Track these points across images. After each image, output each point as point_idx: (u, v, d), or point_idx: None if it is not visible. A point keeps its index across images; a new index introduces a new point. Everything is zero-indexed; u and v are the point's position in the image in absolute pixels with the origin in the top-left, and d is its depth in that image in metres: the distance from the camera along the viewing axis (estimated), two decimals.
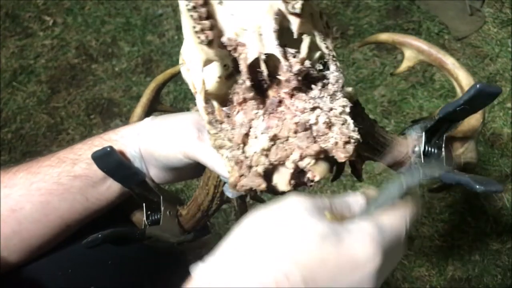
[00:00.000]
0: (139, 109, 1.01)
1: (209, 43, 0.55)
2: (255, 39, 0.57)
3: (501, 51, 2.43)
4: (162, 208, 0.90)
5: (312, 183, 0.64)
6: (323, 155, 0.62)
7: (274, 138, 0.61)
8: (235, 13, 0.57)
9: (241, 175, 0.63)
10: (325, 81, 0.65)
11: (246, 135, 0.63)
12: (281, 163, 0.62)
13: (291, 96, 0.62)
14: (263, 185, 0.61)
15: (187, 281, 0.54)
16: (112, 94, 2.46)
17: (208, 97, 0.67)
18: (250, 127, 0.63)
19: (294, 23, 0.58)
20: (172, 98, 2.37)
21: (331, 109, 0.62)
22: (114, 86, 2.49)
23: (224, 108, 0.67)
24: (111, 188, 0.87)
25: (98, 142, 0.85)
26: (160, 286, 0.99)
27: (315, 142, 0.61)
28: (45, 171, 0.84)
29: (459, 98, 0.69)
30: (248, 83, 0.60)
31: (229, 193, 0.82)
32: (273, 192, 0.64)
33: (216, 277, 0.54)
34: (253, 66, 0.62)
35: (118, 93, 2.47)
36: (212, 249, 0.57)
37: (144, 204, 0.91)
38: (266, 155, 0.61)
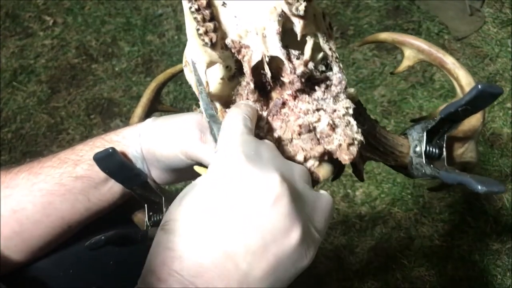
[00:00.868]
0: (139, 109, 1.00)
1: (213, 45, 0.56)
2: (258, 41, 0.57)
3: (501, 51, 2.43)
4: (164, 209, 0.90)
5: (316, 185, 0.64)
6: (327, 157, 0.62)
7: (278, 140, 0.61)
8: (239, 15, 0.58)
9: None
10: (328, 82, 0.65)
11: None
12: None
13: (295, 98, 0.62)
14: None
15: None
16: (112, 94, 2.46)
17: (210, 98, 0.67)
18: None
19: (298, 25, 0.58)
20: (172, 98, 2.37)
21: (334, 110, 0.62)
22: (114, 86, 2.48)
23: (226, 110, 0.67)
24: (112, 189, 0.86)
25: (100, 143, 0.85)
26: None
27: (319, 143, 0.61)
28: (47, 172, 0.84)
29: (461, 98, 0.69)
30: (252, 85, 0.60)
31: None
32: None
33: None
34: (257, 68, 0.62)
35: (118, 93, 2.46)
36: None
37: (146, 205, 0.91)
38: None
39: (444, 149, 0.79)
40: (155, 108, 1.03)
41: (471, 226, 1.99)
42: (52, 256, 0.89)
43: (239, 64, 0.63)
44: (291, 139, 0.61)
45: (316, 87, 0.63)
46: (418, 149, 0.79)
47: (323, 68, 0.66)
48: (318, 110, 0.62)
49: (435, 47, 0.84)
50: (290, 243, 0.53)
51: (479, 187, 0.66)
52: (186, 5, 0.55)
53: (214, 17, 0.56)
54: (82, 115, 2.41)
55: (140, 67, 2.53)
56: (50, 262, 0.88)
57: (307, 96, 0.62)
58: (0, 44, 2.65)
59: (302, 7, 0.55)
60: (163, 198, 0.89)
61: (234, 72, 0.67)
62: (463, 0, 2.53)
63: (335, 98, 0.64)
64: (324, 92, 0.63)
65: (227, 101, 0.68)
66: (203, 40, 0.55)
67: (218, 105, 0.69)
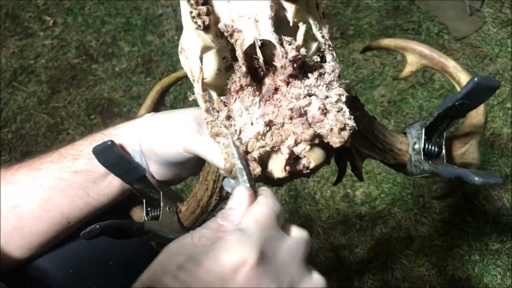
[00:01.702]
0: (143, 111, 1.01)
1: (206, 28, 0.56)
2: (251, 25, 0.58)
3: (500, 51, 2.43)
4: (162, 204, 0.90)
5: (307, 171, 0.64)
6: (317, 141, 0.62)
7: (269, 124, 0.61)
8: None
9: None
10: (321, 70, 0.65)
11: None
12: (276, 148, 0.62)
13: (287, 83, 0.62)
14: (258, 170, 0.61)
15: None
16: (112, 94, 2.47)
17: (206, 88, 0.67)
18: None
19: (290, 10, 0.58)
20: (172, 98, 2.38)
21: (326, 97, 0.63)
22: (114, 86, 2.49)
23: (222, 98, 0.67)
24: (111, 184, 0.86)
25: (99, 138, 0.85)
26: None
27: (310, 127, 0.61)
28: (47, 167, 0.84)
29: (458, 92, 0.69)
30: (244, 68, 0.60)
31: (229, 188, 0.82)
32: (269, 180, 0.64)
33: None
34: (250, 55, 0.62)
35: (118, 93, 2.47)
36: None
37: (144, 200, 0.91)
38: (261, 140, 0.61)
39: (443, 147, 0.79)
40: (158, 110, 1.03)
41: (471, 226, 1.99)
42: (52, 256, 0.89)
43: (234, 54, 0.63)
44: (283, 123, 0.61)
45: (309, 74, 0.63)
46: (417, 146, 0.78)
47: (318, 59, 0.66)
48: (309, 95, 0.62)
49: (437, 52, 0.84)
50: None
51: (476, 178, 0.66)
52: None
53: (207, 1, 0.56)
54: (82, 115, 2.41)
55: (140, 67, 2.54)
56: (50, 262, 0.89)
57: (299, 82, 0.62)
58: (0, 44, 2.66)
59: None
60: (161, 193, 0.89)
61: (230, 63, 0.67)
62: (463, 0, 2.54)
63: (328, 85, 0.64)
64: (317, 79, 0.63)
65: (223, 90, 0.69)
66: (196, 23, 0.55)
67: (214, 94, 0.70)
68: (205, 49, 0.60)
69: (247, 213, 0.58)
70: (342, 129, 0.60)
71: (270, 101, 0.62)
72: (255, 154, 0.60)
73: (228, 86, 0.67)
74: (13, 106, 2.46)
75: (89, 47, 2.64)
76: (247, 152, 0.62)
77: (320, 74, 0.64)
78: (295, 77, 0.62)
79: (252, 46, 0.59)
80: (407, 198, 2.07)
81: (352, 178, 2.10)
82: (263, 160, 0.62)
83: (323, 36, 0.63)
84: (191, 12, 0.54)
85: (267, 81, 0.63)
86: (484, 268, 1.88)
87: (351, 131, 0.61)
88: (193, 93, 0.66)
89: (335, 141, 0.60)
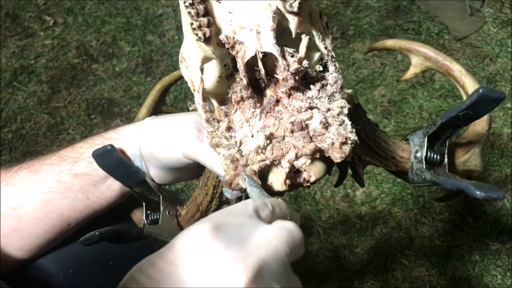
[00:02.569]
0: (144, 110, 1.00)
1: (207, 40, 0.56)
2: (253, 37, 0.58)
3: (501, 51, 2.43)
4: (162, 208, 0.90)
5: (308, 184, 0.64)
6: (319, 155, 0.61)
7: (270, 137, 0.61)
8: (233, 11, 0.58)
9: (237, 174, 0.63)
10: (324, 82, 0.64)
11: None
12: (277, 162, 0.62)
13: (289, 95, 0.62)
14: (258, 183, 0.61)
15: None
16: (112, 94, 2.47)
17: (207, 95, 0.67)
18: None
19: (292, 22, 0.58)
20: (172, 98, 2.37)
21: (328, 109, 0.62)
22: (115, 86, 2.49)
23: (222, 107, 0.67)
24: (111, 187, 0.86)
25: (99, 141, 0.85)
26: None
27: (311, 141, 0.60)
28: (46, 169, 0.84)
29: (462, 103, 0.68)
30: (245, 80, 0.60)
31: (228, 194, 0.82)
32: (269, 192, 0.64)
33: None
34: (252, 66, 0.62)
35: (119, 93, 2.47)
36: None
37: (144, 204, 0.91)
38: (262, 153, 0.61)
39: (445, 156, 0.78)
40: (159, 110, 1.03)
41: (471, 226, 1.99)
42: (52, 256, 0.89)
43: (235, 62, 0.63)
44: (283, 137, 0.61)
45: (311, 86, 0.63)
46: (419, 154, 0.78)
47: (321, 69, 0.66)
48: (311, 108, 0.61)
49: (442, 54, 0.83)
50: None
51: (478, 192, 0.65)
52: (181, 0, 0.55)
53: (208, 12, 0.56)
54: (82, 115, 2.41)
55: (140, 67, 2.54)
56: (50, 262, 0.89)
57: (301, 94, 0.62)
58: (0, 44, 2.65)
59: (296, 3, 0.55)
60: (161, 197, 0.89)
61: (231, 71, 0.67)
62: (463, 0, 2.53)
63: (330, 97, 0.63)
64: (319, 91, 0.63)
65: (224, 99, 0.68)
66: (196, 34, 0.55)
67: (214, 102, 0.69)
68: (206, 60, 0.60)
69: None
70: (343, 143, 0.60)
71: (271, 113, 0.62)
72: (255, 167, 0.60)
73: (229, 95, 0.66)
74: (13, 106, 2.46)
75: (89, 47, 2.63)
76: (246, 165, 0.62)
77: (322, 86, 0.63)
78: (297, 89, 0.62)
79: (254, 57, 0.59)
80: (407, 198, 2.07)
81: (352, 178, 2.09)
82: (263, 173, 0.62)
83: (326, 47, 0.63)
84: (191, 24, 0.54)
85: (269, 92, 0.63)
86: (484, 268, 1.89)
87: (353, 145, 0.61)
88: (194, 103, 0.66)
89: (336, 156, 0.60)
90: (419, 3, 2.61)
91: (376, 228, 2.01)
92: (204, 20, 0.55)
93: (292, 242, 0.53)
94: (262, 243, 0.50)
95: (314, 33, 0.63)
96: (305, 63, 0.60)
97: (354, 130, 0.62)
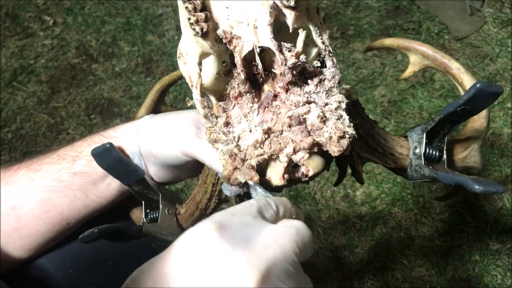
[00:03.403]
0: (143, 110, 1.00)
1: (204, 35, 0.55)
2: (250, 32, 0.57)
3: (501, 51, 2.43)
4: (161, 206, 0.90)
5: (306, 179, 0.64)
6: (316, 149, 0.61)
7: (268, 132, 0.61)
8: (231, 5, 0.57)
9: (235, 168, 0.62)
10: (321, 77, 0.64)
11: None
12: (275, 156, 0.61)
13: (287, 90, 0.62)
14: (256, 178, 0.61)
15: None
16: (112, 94, 2.47)
17: (205, 92, 0.67)
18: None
19: (289, 17, 0.58)
20: (172, 98, 2.38)
21: (326, 104, 0.62)
22: (114, 86, 2.49)
23: (220, 103, 0.67)
24: (110, 185, 0.86)
25: (98, 139, 0.85)
26: None
27: (309, 136, 0.60)
28: (46, 168, 0.84)
29: (460, 98, 0.68)
30: (243, 75, 0.60)
31: (227, 191, 0.81)
32: (267, 186, 0.64)
33: None
34: (249, 61, 0.62)
35: (118, 93, 2.47)
36: None
37: (143, 202, 0.91)
38: (260, 148, 0.61)
39: (444, 152, 0.78)
40: (159, 110, 1.03)
41: (471, 226, 1.99)
42: (52, 255, 0.89)
43: (233, 58, 0.62)
44: (281, 131, 0.61)
45: (309, 81, 0.63)
46: (417, 150, 0.78)
47: (318, 64, 0.66)
48: (309, 102, 0.61)
49: (440, 52, 0.83)
50: None
51: (476, 186, 0.65)
52: None
53: (205, 7, 0.56)
54: (82, 115, 2.41)
55: (140, 67, 2.54)
56: (50, 262, 0.89)
57: (298, 89, 0.62)
58: (0, 44, 2.66)
59: None
60: (160, 195, 0.89)
61: (229, 68, 0.67)
62: (463, 0, 2.53)
63: (328, 92, 0.63)
64: (317, 86, 0.63)
65: (222, 95, 0.68)
66: (194, 29, 0.55)
67: (212, 98, 0.69)
68: (204, 55, 0.60)
69: None
70: (341, 137, 0.60)
71: (269, 108, 0.62)
72: (253, 162, 0.60)
73: (227, 92, 0.66)
74: (13, 106, 2.46)
75: (89, 47, 2.64)
76: (244, 160, 0.62)
77: (320, 81, 0.63)
78: (295, 84, 0.62)
79: (251, 52, 0.59)
80: (407, 198, 2.07)
81: (352, 178, 2.08)
82: (262, 168, 0.62)
83: (323, 42, 0.63)
84: (189, 19, 0.54)
85: (266, 87, 0.63)
86: (484, 268, 1.88)
87: (351, 139, 0.61)
88: (192, 99, 0.66)
89: (334, 150, 0.59)
90: (419, 3, 2.61)
91: (376, 228, 2.01)
92: (202, 15, 0.54)
93: (300, 240, 0.51)
94: (269, 242, 0.49)
95: (311, 28, 0.63)
96: (302, 57, 0.60)
97: (352, 124, 0.62)
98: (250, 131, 0.62)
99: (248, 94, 0.63)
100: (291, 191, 2.10)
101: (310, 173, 0.62)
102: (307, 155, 0.61)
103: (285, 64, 0.59)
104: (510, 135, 2.16)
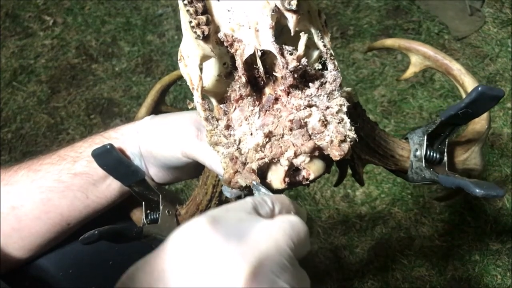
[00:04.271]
0: (143, 110, 1.00)
1: (206, 38, 0.55)
2: (251, 35, 0.57)
3: (501, 51, 2.43)
4: (161, 207, 0.90)
5: (307, 182, 0.64)
6: (317, 153, 0.61)
7: (269, 135, 0.61)
8: (232, 8, 0.58)
9: (235, 172, 0.63)
10: (322, 80, 0.64)
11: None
12: (276, 160, 0.62)
13: (288, 93, 0.62)
14: (257, 181, 0.61)
15: None
16: (112, 94, 2.47)
17: (206, 94, 0.67)
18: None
19: (291, 20, 0.58)
20: (172, 98, 2.37)
21: (327, 107, 0.62)
22: (114, 86, 2.49)
23: (221, 105, 0.67)
24: (111, 186, 0.86)
25: (99, 140, 0.85)
26: None
27: (310, 139, 0.60)
28: (46, 169, 0.84)
29: (461, 101, 0.68)
30: (244, 78, 0.60)
31: (228, 193, 0.82)
32: (267, 189, 0.64)
33: None
34: (251, 64, 0.62)
35: (118, 93, 2.47)
36: None
37: (143, 203, 0.91)
38: (261, 151, 0.61)
39: (445, 154, 0.78)
40: (159, 110, 1.03)
41: (471, 226, 1.99)
42: (52, 256, 0.89)
43: (234, 60, 0.62)
44: (282, 135, 0.61)
45: (310, 84, 0.63)
46: (418, 153, 0.78)
47: (320, 67, 0.66)
48: (310, 106, 0.61)
49: (441, 53, 0.83)
50: None
51: (477, 190, 0.65)
52: None
53: (207, 10, 0.56)
54: (82, 115, 2.41)
55: (140, 67, 2.54)
56: (50, 262, 0.89)
57: (300, 92, 0.62)
58: (0, 44, 2.65)
59: (294, 1, 0.55)
60: (161, 196, 0.89)
61: (230, 70, 0.67)
62: (463, 0, 2.53)
63: (329, 95, 0.63)
64: (318, 89, 0.63)
65: (223, 98, 0.68)
66: (195, 32, 0.55)
67: (213, 101, 0.69)
68: (205, 58, 0.60)
69: None
70: (342, 141, 0.60)
71: (270, 111, 0.62)
72: (254, 165, 0.60)
73: (228, 94, 0.66)
74: (13, 106, 2.46)
75: (89, 47, 2.63)
76: (245, 163, 0.62)
77: (321, 84, 0.63)
78: (296, 87, 0.62)
79: (253, 55, 0.59)
80: (407, 198, 2.07)
81: (352, 178, 2.09)
82: (262, 171, 0.62)
83: (324, 45, 0.63)
84: (190, 22, 0.54)
85: (267, 90, 0.63)
86: (484, 268, 1.89)
87: (352, 143, 0.61)
88: (193, 101, 0.66)
89: (335, 154, 0.59)
90: (419, 3, 2.61)
91: (376, 228, 2.01)
92: (203, 18, 0.54)
93: (296, 235, 0.51)
94: (262, 236, 0.49)
95: (313, 31, 0.63)
96: (303, 61, 0.60)
97: (353, 128, 0.62)
98: (251, 134, 0.62)
99: (249, 97, 0.63)
100: (291, 191, 2.10)
101: (311, 177, 0.63)
102: (308, 158, 0.61)
103: (287, 68, 0.59)
104: (510, 135, 2.16)
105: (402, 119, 2.27)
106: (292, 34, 0.59)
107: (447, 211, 2.04)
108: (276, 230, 0.50)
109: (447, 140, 0.78)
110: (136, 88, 2.46)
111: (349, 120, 0.62)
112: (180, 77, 1.00)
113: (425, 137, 0.77)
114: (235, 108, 0.65)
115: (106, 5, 2.76)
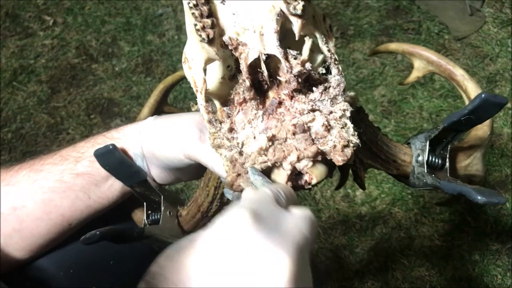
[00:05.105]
0: (146, 110, 1.00)
1: (210, 41, 0.56)
2: (256, 39, 0.58)
3: (501, 51, 2.43)
4: (162, 208, 0.90)
5: (309, 186, 0.64)
6: (320, 157, 0.61)
7: (272, 139, 0.61)
8: (237, 12, 0.58)
9: (238, 175, 0.63)
10: (326, 84, 0.65)
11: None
12: (279, 164, 0.62)
13: (291, 98, 0.62)
14: None
15: None
16: (112, 94, 2.47)
17: (210, 96, 0.67)
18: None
19: (296, 25, 0.58)
20: (172, 98, 2.37)
21: (331, 112, 0.62)
22: (114, 86, 2.49)
23: (224, 108, 0.67)
24: (113, 187, 0.86)
25: (101, 140, 0.85)
26: None
27: (313, 144, 0.60)
28: (48, 169, 0.84)
29: (464, 107, 0.69)
30: (248, 82, 0.60)
31: (229, 195, 0.81)
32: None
33: None
34: (255, 67, 0.62)
35: (118, 93, 2.47)
36: None
37: (145, 204, 0.91)
38: (264, 155, 0.61)
39: (447, 160, 0.78)
40: (161, 110, 1.03)
41: (471, 226, 1.99)
42: (52, 256, 0.89)
43: (238, 63, 0.63)
44: (286, 139, 0.61)
45: (314, 88, 0.63)
46: (420, 158, 0.78)
47: (323, 71, 0.66)
48: (313, 110, 0.62)
49: (445, 59, 0.84)
50: None
51: (479, 197, 0.65)
52: (185, 0, 0.55)
53: (212, 14, 0.56)
54: (82, 115, 2.41)
55: (140, 67, 2.54)
56: (51, 262, 0.89)
57: (303, 96, 0.62)
58: (0, 44, 2.65)
59: (299, 6, 0.55)
60: (162, 197, 0.89)
61: (234, 72, 0.67)
62: (463, 0, 2.54)
63: (333, 100, 0.63)
64: (322, 93, 0.63)
65: (226, 100, 0.69)
66: (200, 35, 0.55)
67: (217, 103, 0.69)
68: (209, 61, 0.60)
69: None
70: (345, 146, 0.60)
71: (273, 115, 0.62)
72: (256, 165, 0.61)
73: (232, 97, 0.66)
74: (13, 106, 2.45)
75: (89, 47, 2.63)
76: (244, 164, 0.62)
77: (325, 88, 0.64)
78: (300, 91, 0.62)
79: (257, 59, 0.59)
80: (407, 198, 2.07)
81: (352, 178, 2.10)
82: (265, 175, 0.62)
83: (329, 50, 0.63)
84: (195, 25, 0.54)
85: (271, 94, 0.63)
86: (484, 268, 1.89)
87: (355, 148, 0.61)
88: (196, 103, 0.66)
89: (338, 159, 0.60)
90: (419, 3, 2.61)
91: (376, 228, 2.01)
92: (208, 21, 0.55)
93: (314, 228, 0.54)
94: (294, 229, 0.51)
95: (318, 35, 0.63)
96: (308, 65, 0.60)
97: (356, 133, 0.62)
98: (254, 137, 0.62)
99: (252, 101, 0.63)
100: None
101: (314, 181, 0.63)
102: (311, 163, 0.61)
103: (291, 72, 0.59)
104: (510, 135, 2.17)
105: (402, 119, 2.27)
106: (297, 39, 0.60)
107: (447, 211, 2.05)
108: (301, 223, 0.52)
109: (449, 146, 0.78)
110: (136, 88, 2.46)
111: (352, 125, 0.62)
112: (183, 78, 1.00)
113: (428, 142, 0.77)
114: (239, 111, 0.65)
115: (106, 5, 2.76)
